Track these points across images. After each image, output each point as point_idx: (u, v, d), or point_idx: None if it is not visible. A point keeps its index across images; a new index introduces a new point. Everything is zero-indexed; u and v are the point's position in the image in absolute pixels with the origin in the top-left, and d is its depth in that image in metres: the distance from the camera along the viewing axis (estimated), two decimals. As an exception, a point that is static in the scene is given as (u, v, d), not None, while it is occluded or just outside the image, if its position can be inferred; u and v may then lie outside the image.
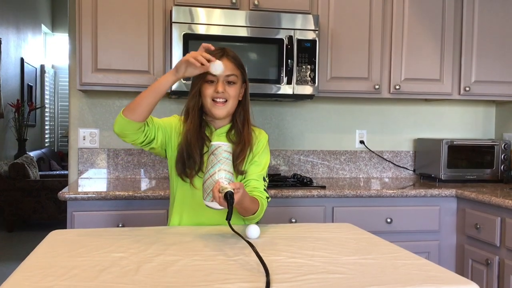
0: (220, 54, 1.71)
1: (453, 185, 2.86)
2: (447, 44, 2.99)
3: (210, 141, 1.72)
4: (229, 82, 1.71)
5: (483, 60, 3.04)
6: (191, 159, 1.70)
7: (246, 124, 1.76)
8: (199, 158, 1.71)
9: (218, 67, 1.65)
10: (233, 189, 1.43)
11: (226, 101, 1.71)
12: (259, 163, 1.75)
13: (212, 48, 1.65)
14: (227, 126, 1.78)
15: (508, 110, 3.30)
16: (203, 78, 1.70)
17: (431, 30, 2.98)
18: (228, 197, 1.42)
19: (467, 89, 3.02)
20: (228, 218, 1.41)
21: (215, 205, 1.49)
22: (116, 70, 2.65)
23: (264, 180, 1.76)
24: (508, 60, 3.06)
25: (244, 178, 1.73)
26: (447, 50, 3.00)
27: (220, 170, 1.49)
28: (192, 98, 1.73)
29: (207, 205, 1.52)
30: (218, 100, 1.70)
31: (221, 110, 1.71)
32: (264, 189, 1.75)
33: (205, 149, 1.71)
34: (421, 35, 2.97)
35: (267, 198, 1.74)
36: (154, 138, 1.72)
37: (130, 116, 1.62)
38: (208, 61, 1.58)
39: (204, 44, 1.65)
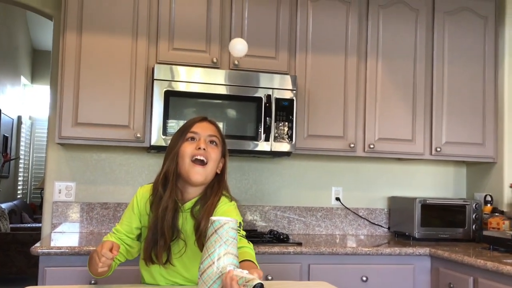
0: (202, 117, 1.70)
1: (427, 244, 2.90)
2: (418, 105, 3.12)
3: (179, 229, 1.60)
4: (211, 142, 1.65)
5: (453, 121, 3.16)
6: (164, 244, 1.58)
7: (216, 197, 1.64)
8: (169, 245, 1.59)
9: (237, 46, 1.50)
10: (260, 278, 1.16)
11: (206, 163, 1.61)
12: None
13: (111, 255, 1.47)
14: (194, 200, 1.65)
15: (479, 171, 3.41)
16: (183, 137, 1.64)
17: (403, 92, 3.10)
18: None
19: (438, 149, 3.12)
20: None
21: None
22: (96, 124, 2.67)
23: (247, 240, 1.59)
24: (477, 122, 3.19)
25: None
26: (418, 112, 3.12)
27: (226, 254, 1.21)
28: (171, 161, 1.62)
29: None
30: (198, 157, 1.60)
31: (200, 173, 1.60)
32: (246, 239, 1.59)
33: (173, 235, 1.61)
34: (393, 96, 3.09)
35: (252, 248, 1.60)
36: (133, 244, 1.71)
37: (98, 276, 1.60)
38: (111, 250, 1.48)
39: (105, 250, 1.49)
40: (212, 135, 1.67)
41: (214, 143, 1.66)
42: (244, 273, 1.16)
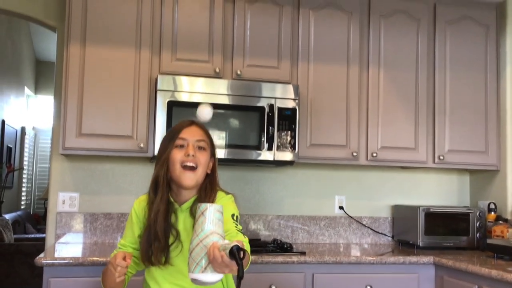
0: (189, 122, 1.75)
1: (431, 252, 2.89)
2: (420, 114, 3.12)
3: (176, 230, 1.66)
4: (199, 148, 1.70)
5: (456, 129, 3.16)
6: (159, 246, 1.63)
7: (212, 193, 1.70)
8: (167, 246, 1.64)
9: (205, 110, 1.65)
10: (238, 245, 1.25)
11: (196, 168, 1.66)
12: (226, 220, 1.56)
13: (125, 263, 1.56)
14: (192, 200, 1.70)
15: (482, 179, 3.40)
16: (172, 143, 1.69)
17: (405, 101, 3.11)
18: (235, 252, 1.22)
19: (441, 158, 3.12)
20: (241, 275, 1.24)
21: (207, 276, 1.28)
22: (100, 135, 2.69)
23: (243, 234, 1.62)
24: (479, 130, 3.19)
25: None
26: (421, 120, 3.12)
27: (212, 234, 1.29)
28: (161, 167, 1.68)
29: (195, 279, 1.30)
30: (188, 164, 1.65)
31: (191, 178, 1.65)
32: (243, 234, 1.61)
33: (171, 239, 1.66)
34: (396, 105, 3.10)
35: (248, 242, 1.61)
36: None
37: None
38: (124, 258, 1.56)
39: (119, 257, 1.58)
40: (200, 140, 1.71)
41: (203, 148, 1.71)
42: (226, 242, 1.27)
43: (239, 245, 1.27)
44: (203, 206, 1.36)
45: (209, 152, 1.73)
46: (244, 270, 1.33)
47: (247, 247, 1.54)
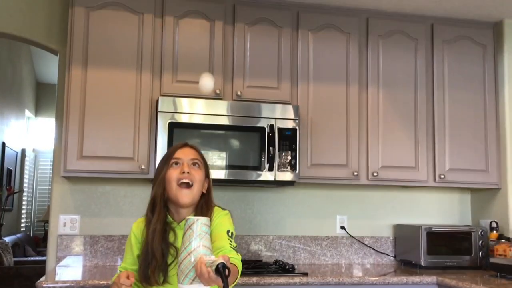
0: (182, 144, 1.80)
1: (434, 272, 2.87)
2: (420, 133, 3.13)
3: (176, 248, 1.68)
4: (194, 165, 1.75)
5: (456, 148, 3.17)
6: (157, 265, 1.64)
7: (208, 211, 1.73)
8: (165, 265, 1.65)
9: (206, 81, 1.69)
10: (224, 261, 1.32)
11: (192, 185, 1.71)
12: (221, 236, 1.65)
13: (129, 281, 1.58)
14: None
15: (483, 197, 3.40)
16: (167, 164, 1.74)
17: (405, 120, 3.13)
18: (221, 270, 1.29)
19: (442, 176, 3.12)
20: None
21: (196, 287, 1.36)
22: (101, 157, 2.69)
23: (236, 250, 1.65)
24: (479, 148, 3.20)
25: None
26: (421, 139, 3.13)
27: (200, 247, 1.36)
28: (158, 187, 1.73)
29: None
30: (184, 181, 1.69)
31: (187, 195, 1.70)
32: (235, 251, 1.64)
33: (170, 258, 1.67)
34: (395, 124, 3.11)
35: (240, 259, 1.64)
36: None
37: None
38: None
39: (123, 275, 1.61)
40: (194, 159, 1.77)
41: (197, 165, 1.76)
42: (212, 257, 1.33)
43: (225, 261, 1.32)
44: (190, 220, 1.41)
45: (204, 172, 1.78)
46: (231, 286, 1.44)
47: (238, 264, 1.58)
